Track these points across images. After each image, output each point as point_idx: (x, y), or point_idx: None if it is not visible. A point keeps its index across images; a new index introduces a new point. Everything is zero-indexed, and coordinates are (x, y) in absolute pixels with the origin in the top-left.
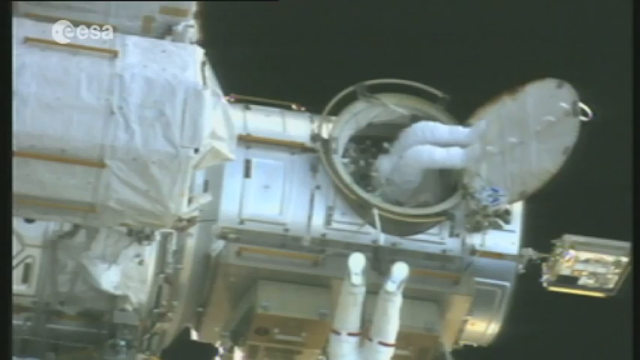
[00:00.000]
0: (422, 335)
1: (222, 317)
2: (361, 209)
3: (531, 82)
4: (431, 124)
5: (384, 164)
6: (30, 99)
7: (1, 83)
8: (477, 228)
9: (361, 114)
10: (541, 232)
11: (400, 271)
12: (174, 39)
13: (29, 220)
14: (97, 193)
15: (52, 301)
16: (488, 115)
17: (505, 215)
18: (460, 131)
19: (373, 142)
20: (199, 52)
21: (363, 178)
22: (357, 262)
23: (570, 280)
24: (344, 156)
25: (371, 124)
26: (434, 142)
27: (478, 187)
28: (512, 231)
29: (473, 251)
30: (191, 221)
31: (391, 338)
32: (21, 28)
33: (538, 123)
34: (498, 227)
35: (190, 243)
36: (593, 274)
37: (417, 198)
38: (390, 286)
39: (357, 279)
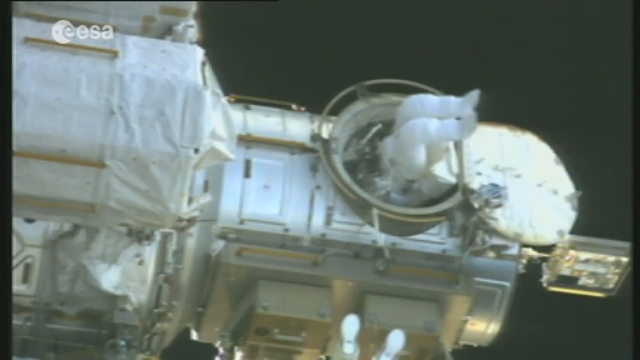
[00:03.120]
0: (422, 335)
1: (222, 317)
2: (361, 209)
3: (531, 133)
4: (421, 96)
5: (387, 146)
6: (30, 99)
7: (1, 83)
8: (477, 228)
9: (361, 114)
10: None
11: (396, 341)
12: (174, 39)
13: (29, 220)
14: (96, 193)
15: (52, 301)
16: (489, 131)
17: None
18: (451, 101)
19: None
20: (199, 52)
21: (371, 165)
22: (350, 327)
23: (570, 280)
24: (347, 148)
25: (371, 124)
26: (426, 115)
27: (478, 184)
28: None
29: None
30: (191, 221)
31: None
32: (21, 28)
33: (539, 178)
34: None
35: (190, 243)
36: (593, 274)
37: (429, 171)
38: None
39: (349, 347)
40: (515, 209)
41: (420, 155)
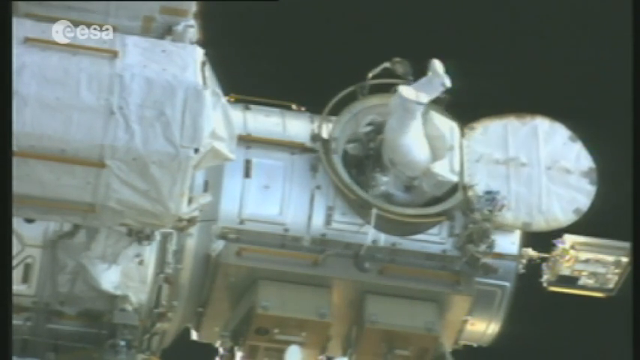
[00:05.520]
0: (422, 335)
1: (222, 317)
2: (361, 209)
3: (541, 116)
4: (403, 89)
5: (385, 144)
6: (30, 99)
7: (1, 83)
8: (484, 236)
9: (361, 114)
10: (541, 232)
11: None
12: (174, 39)
13: (29, 220)
14: (97, 193)
15: (52, 301)
16: (492, 125)
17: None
18: (423, 80)
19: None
20: (199, 52)
21: (374, 160)
22: (291, 358)
23: (570, 280)
24: (352, 141)
25: (371, 124)
26: None
27: (474, 198)
28: (512, 231)
29: (472, 257)
30: (191, 221)
31: None
32: (21, 28)
33: (550, 159)
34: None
35: (190, 243)
36: (593, 274)
37: (429, 169)
38: None
39: None
40: (522, 198)
41: (417, 153)
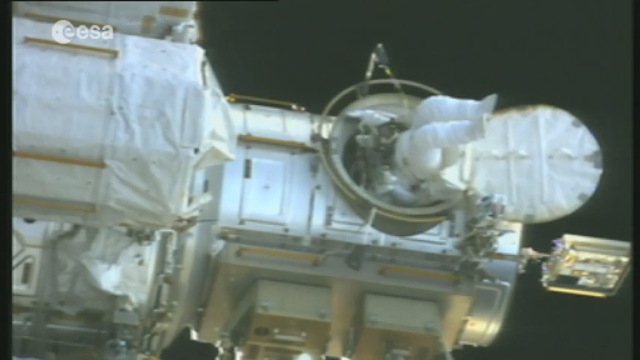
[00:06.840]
0: (422, 335)
1: (222, 317)
2: (361, 209)
3: (543, 105)
4: (440, 98)
5: (402, 143)
6: (30, 99)
7: (1, 83)
8: (487, 242)
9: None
10: (541, 232)
11: None
12: (174, 39)
13: (29, 220)
14: (96, 193)
15: (52, 301)
16: (492, 121)
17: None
18: (468, 105)
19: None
20: (199, 52)
21: (384, 157)
22: None
23: (570, 280)
24: (361, 133)
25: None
26: (442, 119)
27: (476, 207)
28: (512, 231)
29: (470, 263)
30: (191, 221)
31: None
32: (21, 28)
33: (551, 148)
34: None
35: (190, 243)
36: (593, 274)
37: (438, 174)
38: None
39: None
40: (522, 191)
41: (434, 159)
